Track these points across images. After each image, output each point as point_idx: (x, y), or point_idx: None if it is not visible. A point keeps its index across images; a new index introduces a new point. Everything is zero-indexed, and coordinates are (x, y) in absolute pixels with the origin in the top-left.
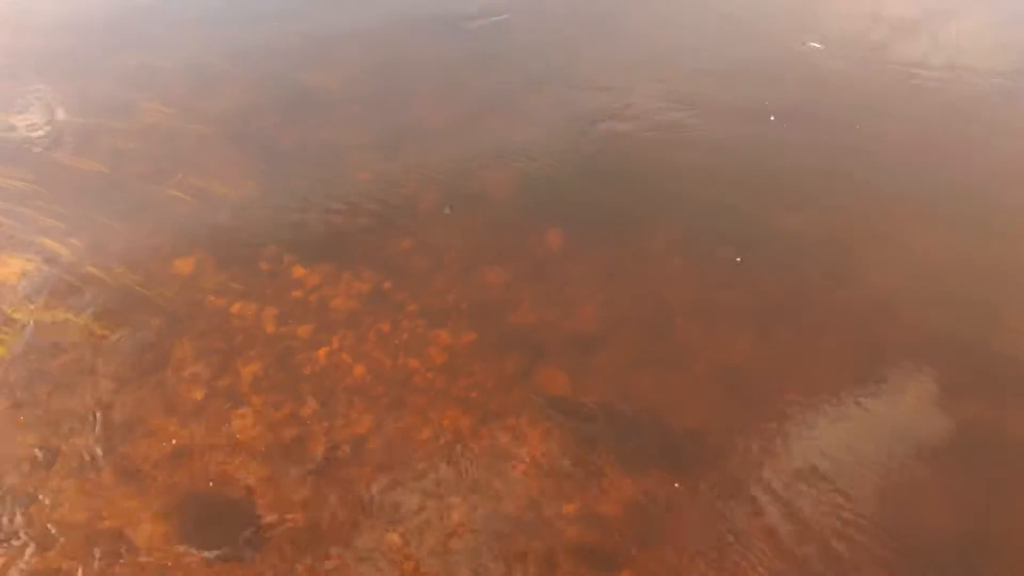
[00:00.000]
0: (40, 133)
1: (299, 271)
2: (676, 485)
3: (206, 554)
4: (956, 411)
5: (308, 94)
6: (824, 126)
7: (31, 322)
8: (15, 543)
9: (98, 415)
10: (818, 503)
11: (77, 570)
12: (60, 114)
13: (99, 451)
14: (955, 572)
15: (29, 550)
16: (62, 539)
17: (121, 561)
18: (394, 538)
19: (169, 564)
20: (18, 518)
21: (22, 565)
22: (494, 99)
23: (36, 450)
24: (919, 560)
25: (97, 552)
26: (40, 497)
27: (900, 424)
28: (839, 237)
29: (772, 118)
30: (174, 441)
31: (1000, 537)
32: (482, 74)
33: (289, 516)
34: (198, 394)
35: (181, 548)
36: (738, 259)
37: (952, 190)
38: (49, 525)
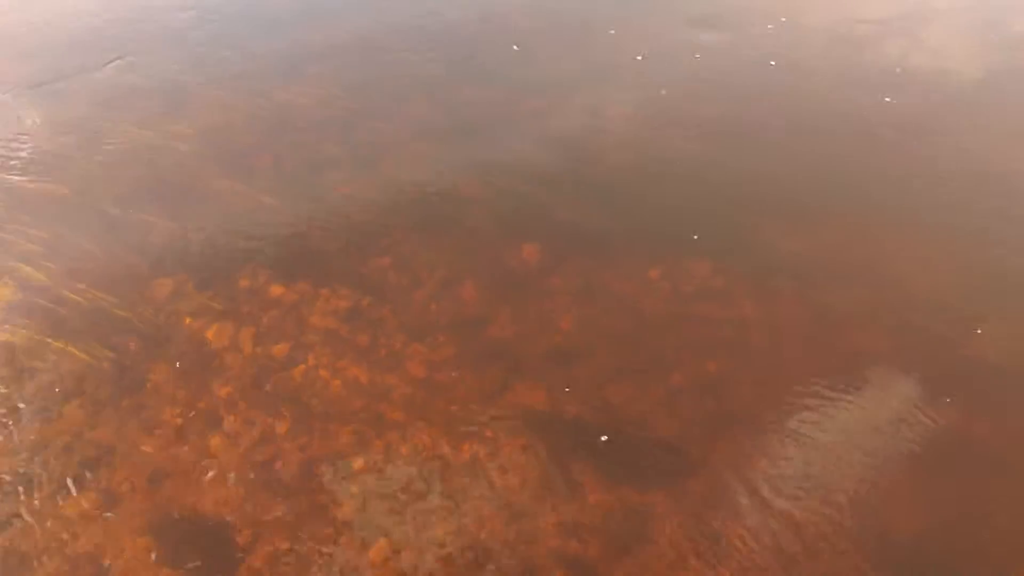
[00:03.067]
0: (13, 155)
1: (277, 290)
2: (657, 495)
3: None
4: (930, 417)
5: (284, 111)
6: (800, 135)
7: (8, 345)
8: None
9: (74, 439)
10: (795, 510)
11: None
12: (33, 136)
13: (76, 476)
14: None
15: None
16: (40, 567)
17: None
18: (373, 556)
19: None
20: None
21: None
22: (471, 114)
23: (11, 476)
24: (894, 565)
25: None
26: (16, 524)
27: (875, 430)
28: (815, 246)
29: (748, 127)
30: (151, 464)
31: (973, 543)
32: (459, 89)
33: (267, 536)
34: (176, 416)
35: (160, 572)
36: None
37: (927, 196)
38: (25, 553)
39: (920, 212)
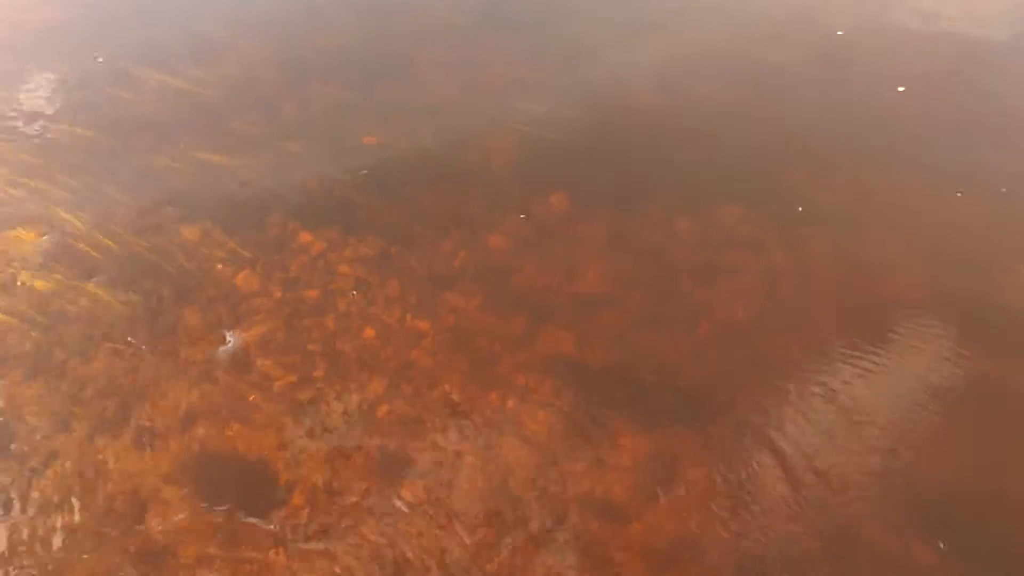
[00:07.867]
0: (44, 106)
1: (305, 237)
2: (684, 440)
3: (222, 515)
4: (960, 365)
5: (309, 60)
6: (828, 86)
7: (44, 291)
8: (33, 510)
9: (111, 381)
10: (825, 457)
11: (94, 534)
12: (63, 86)
13: (114, 417)
14: (963, 524)
15: (49, 516)
16: (80, 504)
17: (139, 524)
18: (406, 497)
19: (185, 526)
20: (37, 485)
21: (41, 530)
22: (495, 64)
23: (52, 417)
24: (927, 512)
25: (115, 515)
26: (57, 464)
27: (904, 379)
28: (842, 197)
29: (778, 79)
30: (187, 405)
31: (1007, 488)
32: (483, 40)
33: (304, 476)
34: (209, 359)
35: (197, 510)
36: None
37: (953, 148)
38: (67, 491)
39: (950, 163)
